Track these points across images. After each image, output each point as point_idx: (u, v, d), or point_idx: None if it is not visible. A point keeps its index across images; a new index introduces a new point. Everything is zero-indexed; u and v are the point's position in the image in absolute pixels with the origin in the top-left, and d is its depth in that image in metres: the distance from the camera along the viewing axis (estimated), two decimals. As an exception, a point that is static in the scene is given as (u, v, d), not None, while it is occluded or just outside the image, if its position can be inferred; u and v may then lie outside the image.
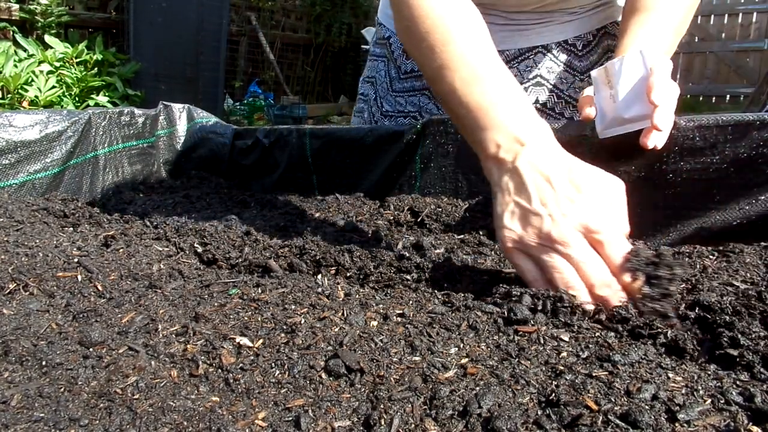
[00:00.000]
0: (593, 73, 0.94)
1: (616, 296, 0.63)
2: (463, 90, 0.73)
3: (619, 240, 0.64)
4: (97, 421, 0.51)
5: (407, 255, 0.81)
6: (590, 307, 0.63)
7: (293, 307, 0.69)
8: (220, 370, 0.58)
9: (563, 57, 1.20)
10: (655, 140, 0.85)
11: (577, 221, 0.63)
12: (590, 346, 0.60)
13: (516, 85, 0.74)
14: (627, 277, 0.63)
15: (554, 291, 0.64)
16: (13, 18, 4.50)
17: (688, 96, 8.41)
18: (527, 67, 1.20)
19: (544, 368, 0.56)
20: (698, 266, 0.79)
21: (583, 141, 0.96)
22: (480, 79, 0.73)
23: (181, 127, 1.44)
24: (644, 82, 0.85)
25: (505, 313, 0.67)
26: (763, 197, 0.87)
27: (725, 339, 0.58)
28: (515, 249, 0.67)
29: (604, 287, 0.63)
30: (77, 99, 4.08)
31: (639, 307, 0.62)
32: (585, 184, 0.65)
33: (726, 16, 8.54)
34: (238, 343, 0.61)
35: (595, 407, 0.48)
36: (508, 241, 0.67)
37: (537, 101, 1.21)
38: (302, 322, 0.65)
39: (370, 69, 1.42)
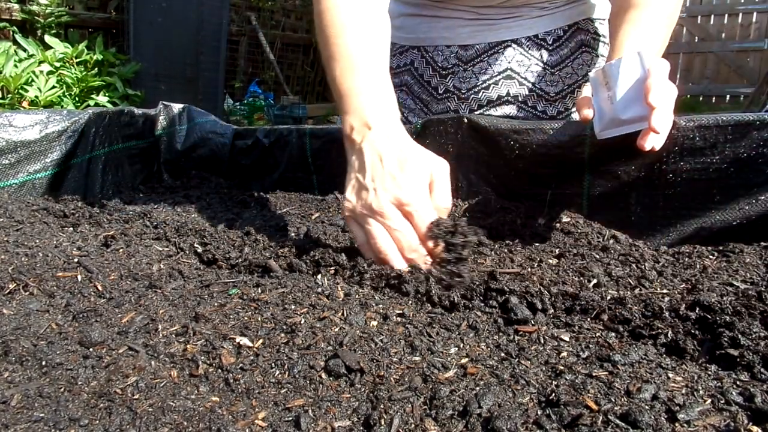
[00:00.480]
0: (591, 74, 0.94)
1: (422, 259, 0.75)
2: (340, 78, 0.84)
3: (425, 212, 0.74)
4: (97, 421, 0.51)
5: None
6: (402, 267, 0.74)
7: (293, 307, 0.69)
8: (220, 370, 0.58)
9: (534, 51, 1.22)
10: (653, 142, 0.85)
11: (392, 195, 0.74)
12: (590, 346, 0.61)
13: (381, 80, 0.84)
14: (430, 244, 0.74)
15: (374, 254, 0.76)
16: (14, 18, 4.50)
17: (688, 96, 8.41)
18: (497, 61, 1.23)
19: (544, 368, 0.56)
20: (698, 266, 0.79)
21: (584, 140, 0.96)
22: (354, 70, 0.84)
23: (181, 127, 1.44)
24: (642, 83, 0.85)
25: (505, 313, 0.68)
26: (763, 197, 0.87)
27: (725, 339, 0.58)
28: (350, 217, 0.79)
29: (411, 252, 0.75)
30: (77, 99, 4.07)
31: (439, 269, 0.73)
32: (408, 164, 0.75)
33: (726, 16, 8.54)
34: (238, 343, 0.61)
35: (595, 407, 0.48)
36: (346, 210, 0.79)
37: (508, 93, 1.23)
38: (302, 322, 0.65)
39: None
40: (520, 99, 1.23)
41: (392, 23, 1.28)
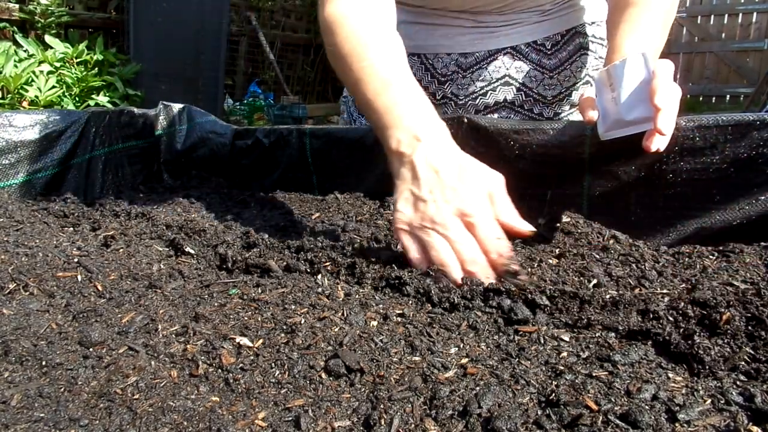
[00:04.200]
0: (595, 74, 0.94)
1: (483, 272, 0.72)
2: (374, 97, 0.84)
3: (488, 223, 0.73)
4: (97, 421, 0.51)
5: (407, 255, 0.81)
6: (459, 281, 0.72)
7: (293, 307, 0.69)
8: (220, 370, 0.58)
9: (532, 56, 1.22)
10: (658, 143, 0.85)
11: (455, 207, 0.73)
12: (590, 346, 0.61)
13: (418, 92, 0.84)
14: (493, 256, 0.72)
15: (435, 265, 0.73)
16: (13, 18, 4.50)
17: (688, 96, 8.40)
18: (496, 68, 1.23)
19: (544, 368, 0.56)
20: (698, 266, 0.79)
21: (584, 140, 0.96)
22: (387, 87, 0.84)
23: (181, 127, 1.43)
24: (646, 84, 0.85)
25: (505, 313, 0.67)
26: (763, 197, 0.87)
27: (725, 339, 0.58)
28: (404, 230, 0.76)
29: (473, 264, 0.72)
30: (77, 99, 4.07)
31: (501, 280, 0.72)
32: (467, 176, 0.75)
33: (726, 16, 8.54)
34: (238, 343, 0.61)
35: (595, 407, 0.48)
36: (399, 222, 0.76)
37: (505, 100, 1.24)
38: (302, 322, 0.65)
39: None
40: (516, 104, 1.24)
41: None
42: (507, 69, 1.22)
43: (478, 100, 1.25)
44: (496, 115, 1.24)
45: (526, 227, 0.75)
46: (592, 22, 1.25)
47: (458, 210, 0.73)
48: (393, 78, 0.85)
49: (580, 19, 1.23)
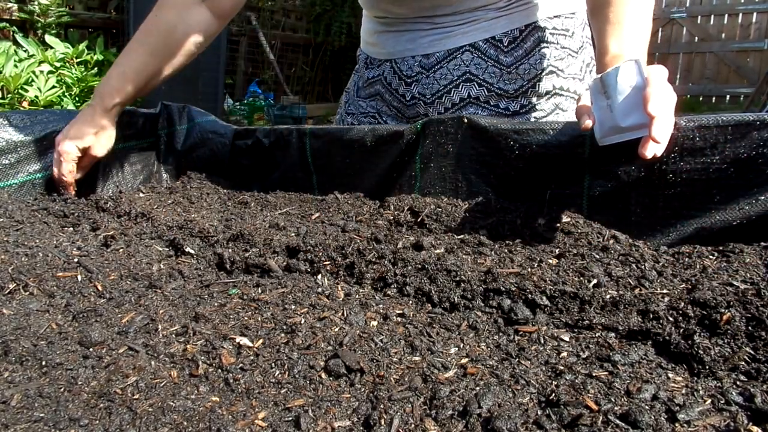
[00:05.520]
0: (590, 82, 0.95)
1: (58, 181, 1.19)
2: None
3: (63, 155, 1.16)
4: (97, 421, 0.51)
5: (406, 255, 0.81)
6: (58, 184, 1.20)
7: (293, 307, 0.69)
8: (220, 370, 0.58)
9: (491, 52, 1.26)
10: (654, 150, 0.85)
11: (59, 142, 1.17)
12: (590, 346, 0.61)
13: (119, 78, 1.22)
14: (60, 170, 1.19)
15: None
16: (14, 18, 4.50)
17: (688, 96, 8.40)
18: (456, 66, 1.27)
19: (544, 368, 0.56)
20: (698, 266, 0.79)
21: (584, 140, 0.96)
22: (113, 65, 1.25)
23: (181, 127, 1.43)
24: (640, 91, 0.85)
25: (505, 313, 0.68)
26: (763, 197, 0.87)
27: (725, 339, 0.58)
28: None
29: (61, 175, 1.19)
30: (77, 99, 4.07)
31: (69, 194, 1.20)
32: (76, 129, 1.18)
33: (726, 16, 8.53)
34: (238, 343, 0.61)
35: (595, 407, 0.48)
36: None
37: (469, 96, 1.27)
38: (302, 322, 0.65)
39: (350, 82, 1.57)
40: (481, 99, 1.27)
41: (369, 40, 1.40)
42: (467, 66, 1.26)
43: (444, 98, 1.29)
44: (464, 112, 1.26)
45: (67, 178, 1.19)
46: (554, 16, 1.26)
47: (59, 144, 1.17)
48: (117, 63, 1.24)
49: (538, 15, 1.25)
